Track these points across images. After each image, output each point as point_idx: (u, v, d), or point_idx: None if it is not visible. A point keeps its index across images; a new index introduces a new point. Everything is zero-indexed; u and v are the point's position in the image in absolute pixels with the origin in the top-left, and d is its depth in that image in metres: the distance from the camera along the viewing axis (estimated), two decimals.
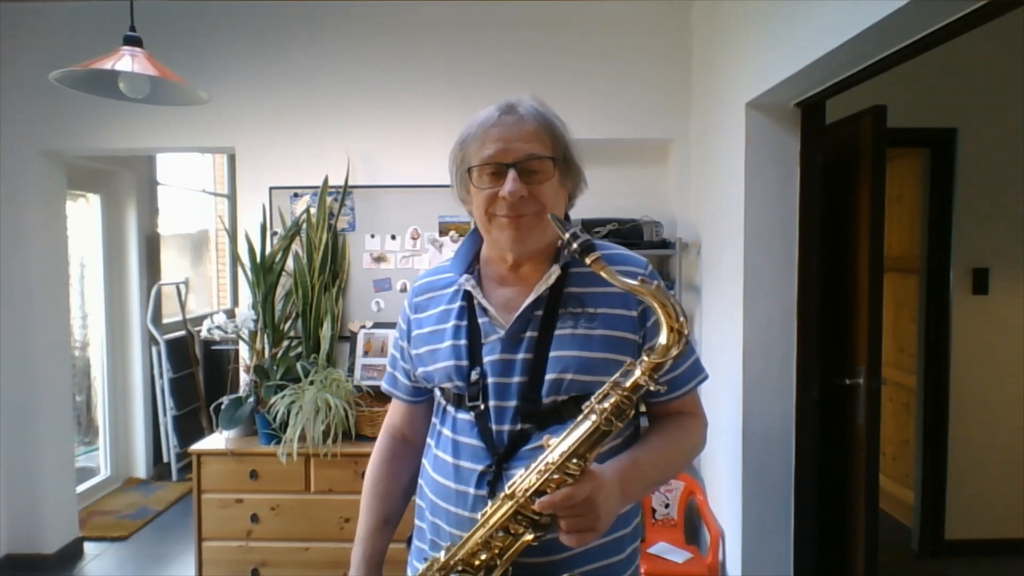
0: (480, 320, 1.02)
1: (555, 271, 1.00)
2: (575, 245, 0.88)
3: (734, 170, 2.29)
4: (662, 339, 0.84)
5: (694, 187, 2.79)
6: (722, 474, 2.46)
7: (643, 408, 1.10)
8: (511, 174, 0.95)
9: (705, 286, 2.69)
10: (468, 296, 1.04)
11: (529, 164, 0.97)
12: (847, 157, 2.22)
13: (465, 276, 1.05)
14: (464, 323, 1.03)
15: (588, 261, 0.87)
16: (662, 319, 0.84)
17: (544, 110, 1.02)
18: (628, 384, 0.83)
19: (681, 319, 0.84)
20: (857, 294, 2.18)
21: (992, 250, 3.02)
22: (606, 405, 0.83)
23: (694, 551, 2.52)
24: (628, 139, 2.90)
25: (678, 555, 2.48)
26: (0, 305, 2.93)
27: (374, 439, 2.59)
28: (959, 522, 3.06)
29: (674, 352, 0.83)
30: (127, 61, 1.81)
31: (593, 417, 0.83)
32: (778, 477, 2.24)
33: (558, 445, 0.83)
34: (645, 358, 0.84)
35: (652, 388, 0.83)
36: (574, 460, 0.82)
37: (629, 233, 2.69)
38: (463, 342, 1.01)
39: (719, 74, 2.48)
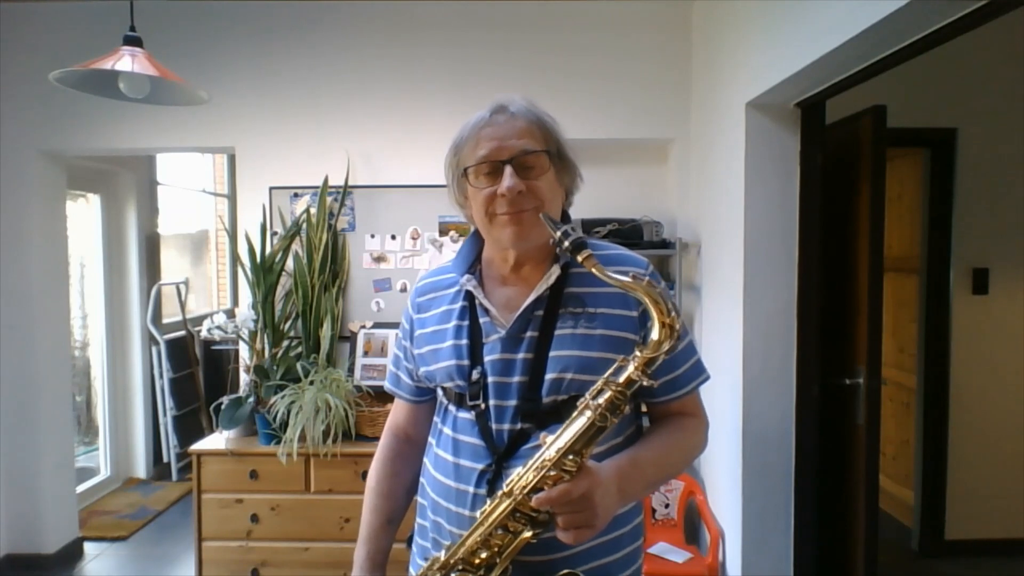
0: (481, 320, 1.03)
1: (555, 271, 1.00)
2: (567, 243, 0.89)
3: (734, 170, 2.29)
4: (654, 334, 0.84)
5: (694, 187, 2.79)
6: (722, 474, 2.46)
7: (644, 408, 1.10)
8: (507, 170, 0.96)
9: (705, 286, 2.69)
10: (470, 296, 1.05)
11: (524, 160, 0.98)
12: (847, 157, 2.22)
13: (467, 276, 1.05)
14: (465, 323, 1.04)
15: (580, 258, 0.88)
16: (653, 314, 0.85)
17: (534, 107, 1.03)
18: (621, 379, 0.84)
19: (672, 314, 0.84)
20: (857, 294, 2.18)
21: (992, 250, 3.02)
22: (600, 401, 0.83)
23: (694, 551, 2.52)
24: (628, 139, 2.90)
25: (678, 555, 2.48)
26: (0, 305, 2.93)
27: (374, 439, 2.59)
28: (959, 522, 3.06)
29: (665, 347, 0.84)
30: (127, 61, 1.81)
31: (588, 413, 0.83)
32: (778, 477, 2.24)
33: (554, 442, 0.84)
34: (638, 353, 0.84)
35: (645, 383, 0.83)
36: (570, 457, 0.82)
37: (629, 233, 2.69)
38: (464, 342, 1.02)
39: (719, 74, 2.48)
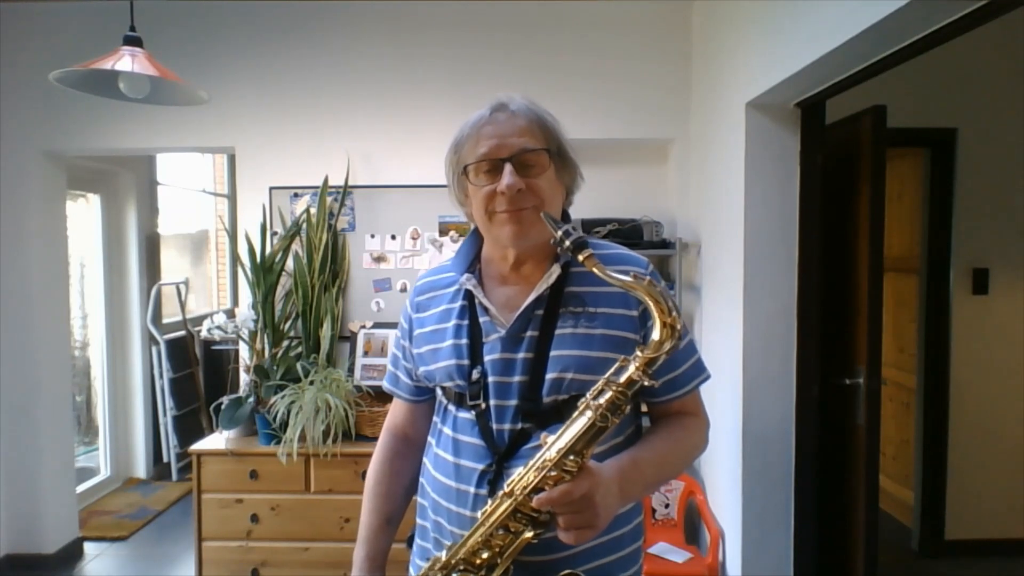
0: (481, 319, 1.02)
1: (556, 270, 1.00)
2: (567, 243, 0.88)
3: (734, 170, 2.29)
4: (655, 334, 0.84)
5: (694, 187, 2.79)
6: (722, 474, 2.46)
7: (644, 408, 1.10)
8: (507, 168, 0.96)
9: (705, 286, 2.69)
10: (469, 295, 1.04)
11: (524, 158, 0.97)
12: (847, 157, 2.22)
13: (466, 275, 1.05)
14: (465, 322, 1.03)
15: (581, 258, 0.88)
16: (655, 314, 0.84)
17: (535, 106, 1.03)
18: (622, 380, 0.83)
19: (673, 314, 0.84)
20: (857, 294, 2.18)
21: (992, 250, 3.02)
22: (601, 401, 0.83)
23: (694, 551, 2.52)
24: (628, 139, 2.90)
25: (678, 555, 2.48)
26: (0, 305, 2.93)
27: (374, 439, 2.58)
28: (959, 522, 3.06)
29: (667, 347, 0.83)
30: (127, 61, 1.81)
31: (589, 413, 0.83)
32: (778, 477, 2.24)
33: (555, 442, 0.83)
34: (639, 353, 0.84)
35: (646, 383, 0.83)
36: (571, 457, 0.82)
37: (629, 233, 2.69)
38: (464, 341, 1.02)
39: (719, 74, 2.48)
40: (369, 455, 1.21)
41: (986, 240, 3.01)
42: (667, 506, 2.71)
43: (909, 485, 3.25)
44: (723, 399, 2.36)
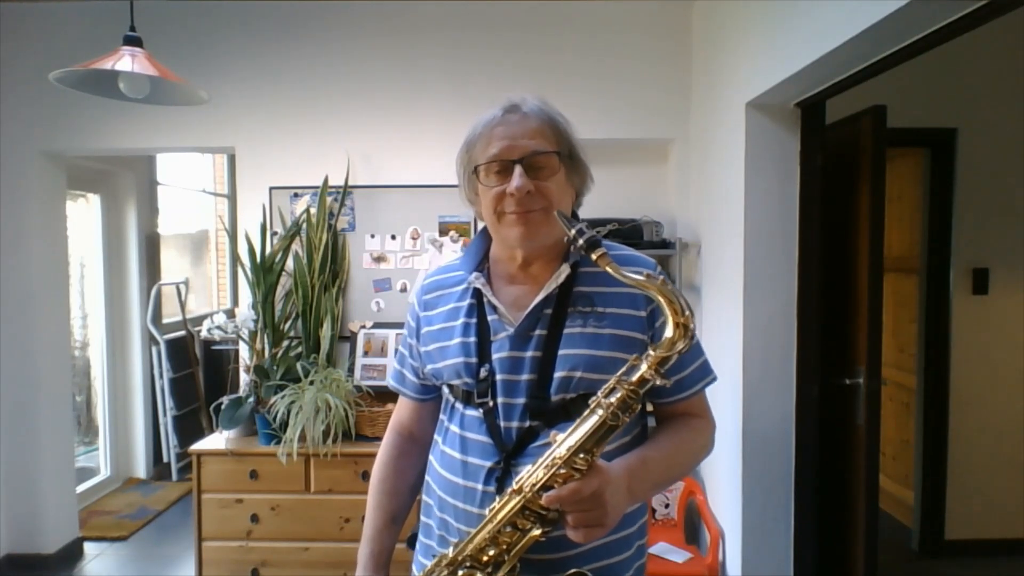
0: (489, 318, 1.03)
1: (565, 270, 1.01)
2: (581, 241, 0.89)
3: (734, 170, 2.29)
4: (667, 333, 0.84)
5: (694, 187, 2.79)
6: (722, 474, 2.46)
7: (649, 408, 1.10)
8: (517, 170, 0.96)
9: (705, 286, 2.69)
10: (478, 294, 1.05)
11: (534, 160, 0.98)
12: (847, 157, 2.22)
13: (475, 274, 1.05)
14: (473, 320, 1.04)
15: (594, 256, 0.88)
16: (668, 313, 0.84)
17: (547, 108, 1.03)
18: (634, 378, 0.83)
19: (687, 313, 0.84)
20: (857, 294, 2.18)
21: (992, 250, 3.02)
22: (612, 400, 0.83)
23: (694, 551, 2.52)
24: (628, 139, 2.90)
25: (678, 555, 2.48)
26: (0, 305, 2.93)
27: (374, 439, 2.59)
28: (959, 522, 3.06)
29: (680, 346, 0.83)
30: (127, 61, 1.81)
31: (600, 412, 0.83)
32: (778, 477, 2.24)
33: (565, 440, 0.83)
34: (651, 352, 0.84)
35: (658, 382, 0.83)
36: (581, 455, 0.82)
37: (629, 233, 2.69)
38: (472, 339, 1.02)
39: (719, 74, 2.48)
40: (369, 455, 1.22)
41: (986, 240, 3.01)
42: (667, 506, 2.71)
43: (909, 485, 3.25)
44: (723, 399, 2.36)
